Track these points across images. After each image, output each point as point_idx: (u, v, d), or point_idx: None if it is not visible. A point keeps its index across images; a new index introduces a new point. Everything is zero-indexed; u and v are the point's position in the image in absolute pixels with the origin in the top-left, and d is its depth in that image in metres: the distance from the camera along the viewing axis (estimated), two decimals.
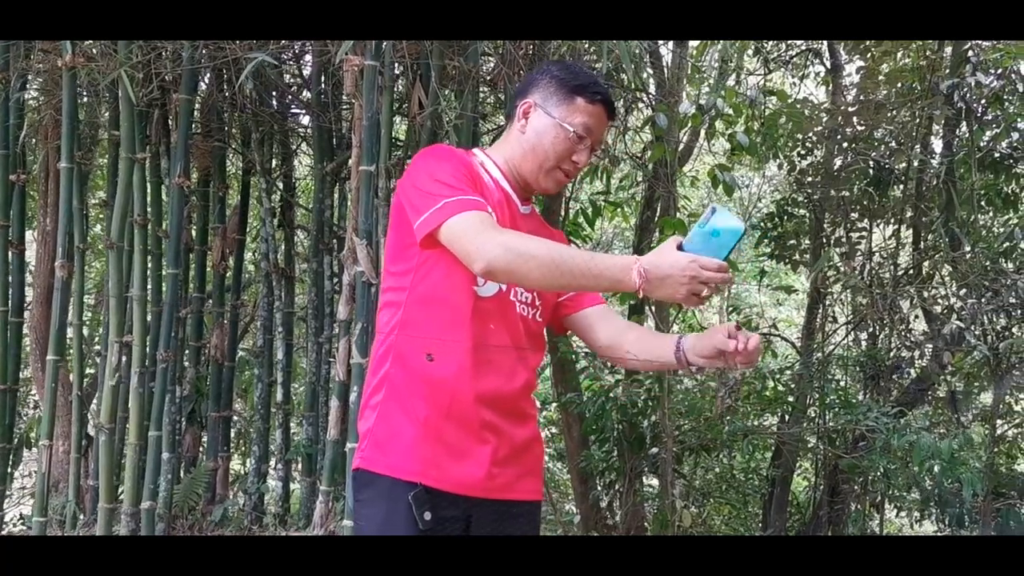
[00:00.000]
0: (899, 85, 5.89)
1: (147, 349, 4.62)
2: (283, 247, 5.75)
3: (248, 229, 6.00)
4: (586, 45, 4.60)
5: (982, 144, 5.58)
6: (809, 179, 6.12)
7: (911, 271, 6.09)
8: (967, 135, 5.66)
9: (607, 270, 1.64)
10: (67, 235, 4.52)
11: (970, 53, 5.28)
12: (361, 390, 3.85)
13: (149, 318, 4.79)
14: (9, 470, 5.47)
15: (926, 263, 5.97)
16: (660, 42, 5.44)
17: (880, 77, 6.01)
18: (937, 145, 6.19)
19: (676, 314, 6.12)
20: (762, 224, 6.58)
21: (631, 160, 5.82)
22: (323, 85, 5.12)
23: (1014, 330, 5.75)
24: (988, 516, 5.48)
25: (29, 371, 6.08)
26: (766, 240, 6.43)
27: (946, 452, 4.82)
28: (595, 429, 5.77)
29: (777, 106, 5.52)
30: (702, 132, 5.67)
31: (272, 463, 5.60)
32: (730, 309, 8.19)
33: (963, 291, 5.52)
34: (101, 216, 6.75)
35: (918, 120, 5.74)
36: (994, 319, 5.53)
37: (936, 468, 5.18)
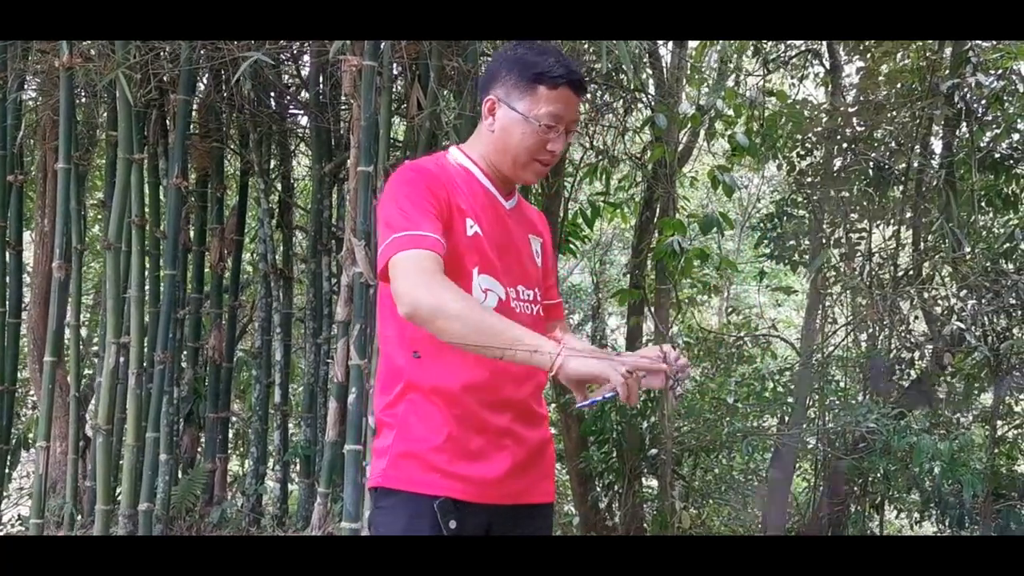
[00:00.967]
0: (899, 85, 5.88)
1: (145, 350, 4.60)
2: (281, 248, 5.74)
3: (246, 230, 5.99)
4: (585, 45, 4.59)
5: (982, 145, 5.57)
6: (809, 179, 6.11)
7: (911, 272, 6.08)
8: (967, 136, 5.65)
9: (527, 337, 1.58)
10: (65, 236, 4.50)
11: (970, 53, 5.27)
12: (360, 391, 3.85)
13: (147, 319, 4.78)
14: (7, 471, 5.46)
15: (926, 264, 5.96)
16: (659, 42, 5.43)
17: (880, 77, 6.00)
18: (937, 146, 6.18)
19: (676, 315, 6.12)
20: (762, 225, 6.57)
21: (630, 161, 5.80)
22: (321, 86, 5.11)
23: (1014, 331, 5.74)
24: (988, 517, 5.47)
25: (27, 372, 6.07)
26: (766, 241, 6.42)
27: (946, 453, 4.81)
28: (594, 430, 5.76)
29: (777, 107, 5.51)
30: (701, 133, 5.67)
31: (270, 464, 5.59)
32: (729, 310, 8.19)
33: (963, 292, 5.51)
34: (99, 217, 6.75)
35: (918, 121, 5.74)
36: (994, 320, 5.52)
37: (936, 469, 5.17)
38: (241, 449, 6.97)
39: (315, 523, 4.20)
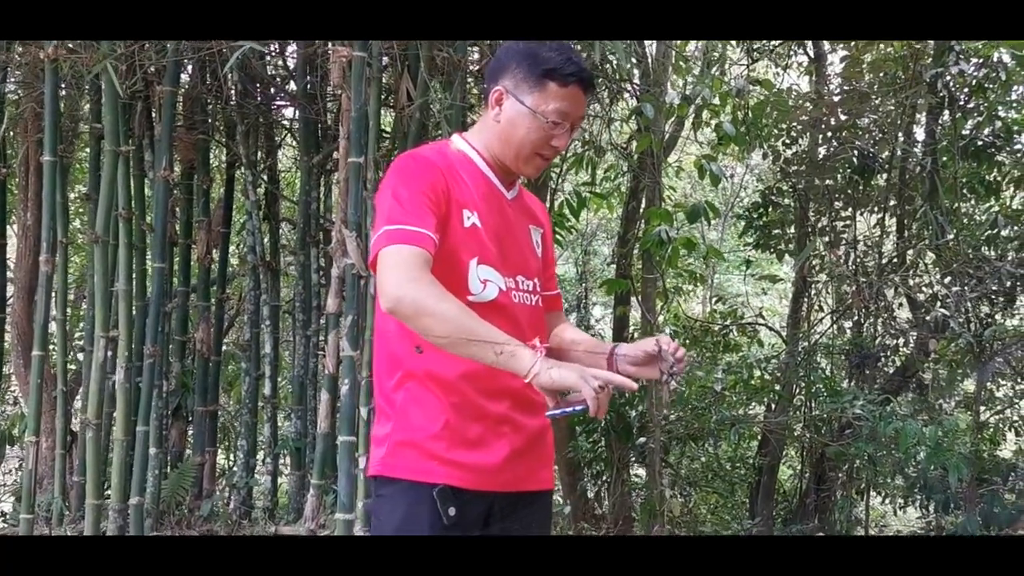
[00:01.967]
0: (882, 74, 5.92)
1: (133, 344, 4.57)
2: (269, 240, 5.71)
3: (233, 222, 5.95)
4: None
5: (965, 132, 5.62)
6: (794, 168, 6.14)
7: (895, 259, 6.14)
8: (950, 124, 5.70)
9: (506, 344, 1.61)
10: (51, 229, 4.46)
11: (953, 42, 5.31)
12: (352, 382, 3.85)
13: (134, 312, 4.75)
14: None
15: (910, 251, 6.01)
16: None
17: (864, 66, 6.04)
18: (920, 134, 6.23)
19: (663, 304, 6.14)
20: (747, 214, 6.60)
21: (616, 151, 5.81)
22: (308, 77, 5.08)
23: (997, 317, 5.81)
24: (972, 502, 5.54)
25: (10, 367, 6.01)
26: (751, 230, 6.46)
27: (932, 438, 4.87)
28: (583, 419, 5.78)
29: (762, 95, 5.53)
30: (687, 122, 5.68)
31: (260, 457, 5.57)
32: (715, 299, 8.23)
33: (947, 279, 5.57)
34: (81, 210, 6.69)
35: (902, 109, 5.78)
36: (977, 306, 5.58)
37: (922, 454, 5.23)
38: (229, 443, 6.95)
39: (308, 515, 4.19)
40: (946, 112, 5.74)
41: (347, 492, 3.79)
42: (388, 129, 5.15)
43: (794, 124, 6.02)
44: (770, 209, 6.36)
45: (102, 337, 4.43)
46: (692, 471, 7.06)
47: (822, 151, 6.21)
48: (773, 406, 6.21)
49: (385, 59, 4.41)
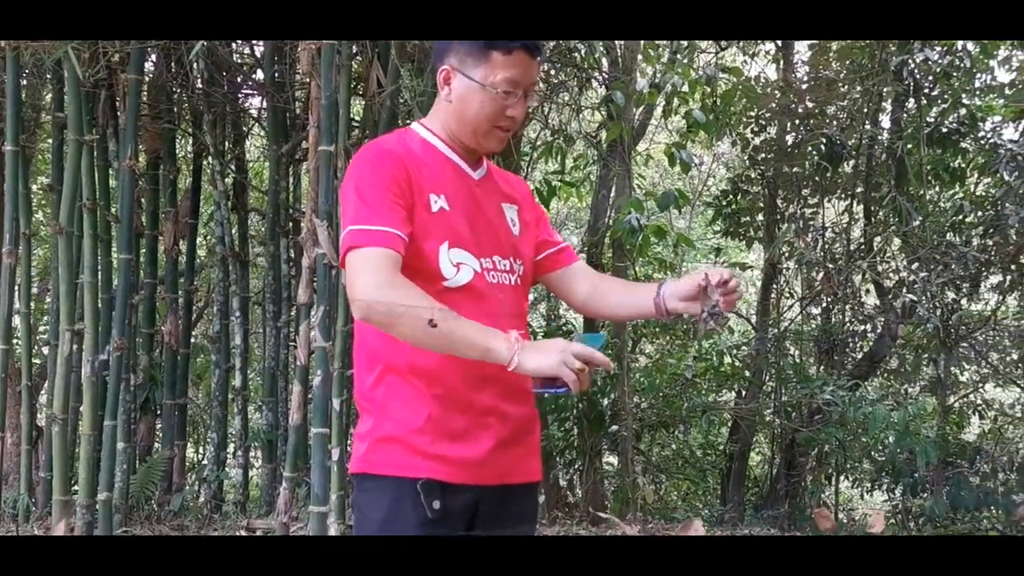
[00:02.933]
0: (849, 62, 5.98)
1: (99, 337, 4.50)
2: (237, 230, 5.64)
3: (201, 213, 5.87)
4: None
5: (930, 120, 5.69)
6: (762, 156, 6.18)
7: (863, 246, 6.20)
8: (915, 111, 5.77)
9: (481, 337, 1.62)
10: (13, 221, 4.37)
11: None
12: (325, 373, 3.81)
13: (100, 305, 4.67)
14: None
15: (877, 238, 6.08)
16: None
17: (831, 54, 6.08)
18: (887, 122, 6.30)
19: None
20: (716, 201, 6.64)
21: (586, 139, 5.81)
22: (277, 64, 5.02)
23: (963, 303, 5.90)
24: (939, 485, 5.62)
25: None
26: (721, 218, 6.49)
27: (900, 422, 4.93)
28: (555, 408, 5.79)
29: (731, 83, 5.55)
30: (657, 110, 5.69)
31: (230, 450, 5.52)
32: None
33: (914, 265, 5.63)
34: (44, 202, 6.57)
35: (868, 96, 5.83)
36: (943, 292, 5.66)
37: (890, 439, 5.30)
38: (199, 436, 6.88)
39: (280, 508, 4.15)
40: (911, 100, 5.81)
41: (320, 484, 3.76)
42: (358, 117, 5.10)
43: (763, 112, 6.06)
44: (739, 197, 6.41)
45: (67, 330, 4.35)
46: (664, 458, 7.11)
47: (790, 138, 6.25)
48: (744, 393, 6.26)
49: (355, 46, 4.37)
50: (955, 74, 5.61)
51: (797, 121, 6.16)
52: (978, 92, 6.05)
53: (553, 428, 5.88)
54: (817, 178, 6.17)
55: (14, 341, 5.06)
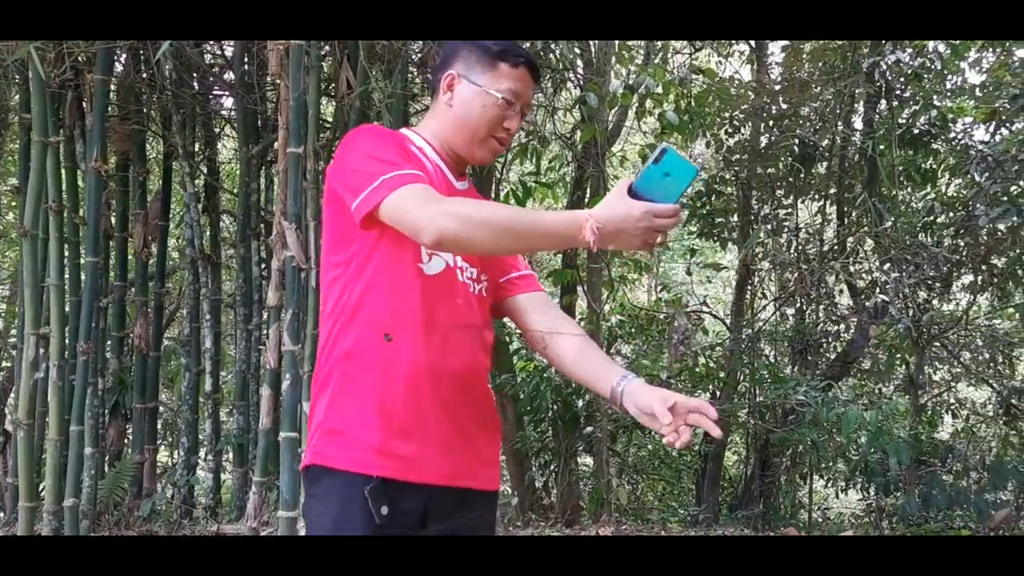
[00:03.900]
0: (821, 63, 6.00)
1: (66, 341, 4.44)
2: (208, 233, 5.59)
3: (171, 215, 5.82)
4: None
5: (901, 121, 5.72)
6: (736, 157, 6.19)
7: (836, 246, 6.23)
8: (887, 112, 5.79)
9: (559, 227, 1.62)
10: None
11: None
12: (294, 377, 3.78)
13: (68, 308, 4.61)
14: None
15: (850, 238, 6.11)
16: None
17: (804, 55, 6.10)
18: (859, 123, 6.32)
19: (609, 294, 6.15)
20: (690, 203, 6.64)
21: (561, 140, 5.80)
22: (247, 65, 4.97)
23: (934, 302, 5.93)
24: (912, 484, 5.65)
25: None
26: (695, 219, 6.50)
27: (873, 422, 4.95)
28: (529, 410, 5.78)
29: (705, 84, 5.55)
30: (631, 111, 5.69)
31: (202, 454, 5.46)
32: (660, 288, 8.29)
33: (886, 265, 5.66)
34: (14, 204, 6.49)
35: (841, 98, 5.86)
36: (915, 292, 5.69)
37: (863, 439, 5.32)
38: (170, 440, 6.81)
39: (250, 512, 4.11)
40: (883, 101, 5.83)
41: (290, 488, 3.73)
42: (329, 119, 5.07)
43: (736, 113, 6.07)
44: (713, 198, 6.41)
45: (32, 334, 4.29)
46: (639, 459, 7.11)
47: (764, 140, 6.27)
48: (718, 393, 6.26)
49: (325, 47, 4.33)
50: (926, 75, 5.65)
51: (771, 122, 6.17)
52: (949, 94, 6.09)
53: (528, 429, 5.87)
54: (791, 179, 6.19)
55: None
